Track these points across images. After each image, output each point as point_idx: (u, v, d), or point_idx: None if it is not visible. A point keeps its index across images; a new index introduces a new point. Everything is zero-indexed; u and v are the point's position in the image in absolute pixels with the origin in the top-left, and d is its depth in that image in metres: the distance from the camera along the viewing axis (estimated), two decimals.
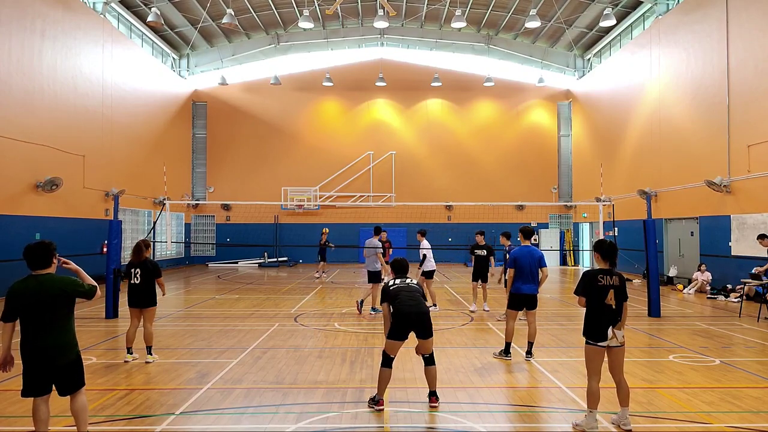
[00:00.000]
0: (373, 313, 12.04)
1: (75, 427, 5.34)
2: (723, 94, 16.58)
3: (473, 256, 12.68)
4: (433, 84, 29.03)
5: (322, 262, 21.00)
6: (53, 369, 4.48)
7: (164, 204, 16.12)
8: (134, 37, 23.90)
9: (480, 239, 12.74)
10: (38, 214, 16.17)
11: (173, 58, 27.98)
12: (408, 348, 6.71)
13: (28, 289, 4.55)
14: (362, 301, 12.25)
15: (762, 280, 12.19)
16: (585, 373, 5.33)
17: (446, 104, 30.46)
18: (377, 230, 12.95)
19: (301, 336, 9.78)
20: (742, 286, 13.36)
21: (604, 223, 19.08)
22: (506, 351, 7.95)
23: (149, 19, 20.09)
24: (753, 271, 13.20)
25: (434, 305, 12.54)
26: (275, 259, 28.09)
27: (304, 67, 29.99)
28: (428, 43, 29.57)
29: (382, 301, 6.09)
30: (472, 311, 12.34)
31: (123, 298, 13.44)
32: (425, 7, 26.07)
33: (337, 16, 27.15)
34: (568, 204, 28.52)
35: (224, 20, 20.64)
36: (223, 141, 29.80)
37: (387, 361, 5.78)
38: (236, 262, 28.45)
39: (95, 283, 4.77)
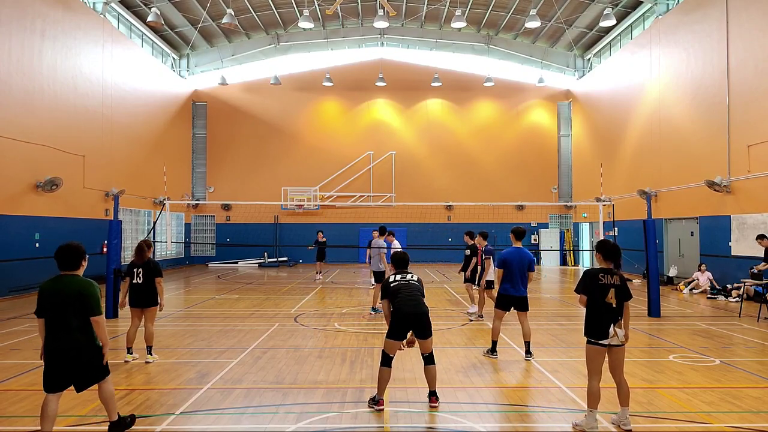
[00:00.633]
0: (372, 313, 12.03)
1: (75, 427, 5.35)
2: (723, 94, 16.58)
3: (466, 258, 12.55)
4: (433, 84, 29.04)
5: (319, 262, 20.79)
6: (70, 369, 4.63)
7: (164, 204, 16.12)
8: (134, 37, 23.90)
9: (467, 239, 12.54)
10: (38, 214, 16.17)
11: (173, 58, 27.98)
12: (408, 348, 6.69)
13: (54, 289, 4.75)
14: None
15: (763, 280, 12.19)
16: (585, 373, 5.33)
17: (446, 104, 30.46)
18: (383, 230, 12.97)
19: (301, 336, 9.78)
20: (741, 285, 13.35)
21: (604, 223, 19.09)
22: (492, 350, 8.03)
23: (149, 19, 20.09)
24: (753, 270, 13.19)
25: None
26: (275, 259, 28.09)
27: (304, 67, 29.99)
28: (428, 43, 29.57)
29: (382, 297, 6.06)
30: (471, 312, 12.25)
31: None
32: (425, 7, 26.07)
33: (337, 16, 27.15)
34: (568, 204, 28.52)
35: (224, 20, 20.64)
36: (223, 141, 29.80)
37: (386, 361, 5.78)
38: (236, 262, 28.46)
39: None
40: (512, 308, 8.03)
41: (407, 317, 5.78)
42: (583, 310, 5.39)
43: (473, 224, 27.35)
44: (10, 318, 11.76)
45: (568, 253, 29.05)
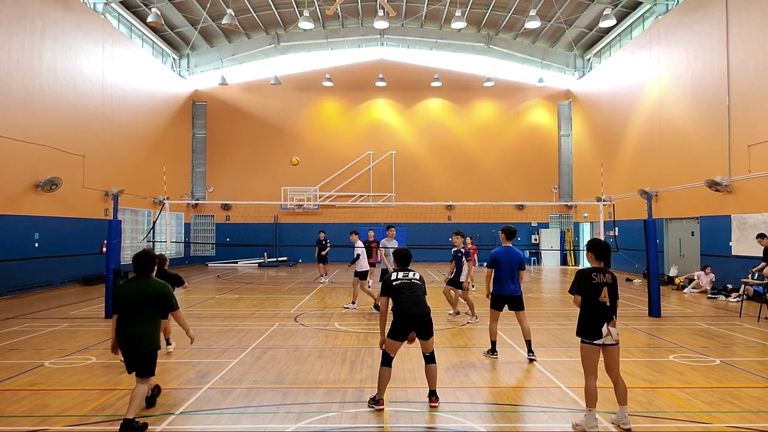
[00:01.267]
0: (375, 311, 12.05)
1: (75, 427, 5.35)
2: (723, 94, 16.57)
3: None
4: (433, 84, 29.04)
5: (322, 264, 20.11)
6: (134, 354, 5.28)
7: (164, 204, 16.12)
8: (134, 37, 23.89)
9: (467, 240, 12.68)
10: (38, 214, 16.17)
11: (173, 58, 27.98)
12: (407, 347, 6.70)
13: (134, 288, 5.38)
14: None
15: (764, 280, 12.19)
16: (583, 373, 5.31)
17: (446, 104, 30.46)
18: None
19: (301, 336, 9.78)
20: (742, 285, 13.35)
21: (604, 222, 19.07)
22: (492, 350, 8.00)
23: (149, 19, 20.08)
24: (754, 271, 13.18)
25: (353, 303, 12.88)
26: (275, 259, 28.09)
27: (304, 67, 29.99)
28: (428, 43, 29.56)
29: (382, 294, 6.00)
30: (466, 313, 12.11)
31: None
32: (425, 7, 26.07)
33: (337, 16, 27.15)
34: (569, 204, 28.52)
35: (224, 20, 20.63)
36: (223, 141, 29.80)
37: (387, 361, 5.77)
38: (236, 262, 28.45)
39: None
40: (507, 308, 7.96)
41: (409, 318, 5.76)
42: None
43: (473, 224, 27.42)
44: (9, 318, 11.76)
45: (568, 253, 29.06)
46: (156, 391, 5.87)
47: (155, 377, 5.76)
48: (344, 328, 10.56)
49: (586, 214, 28.19)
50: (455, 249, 11.29)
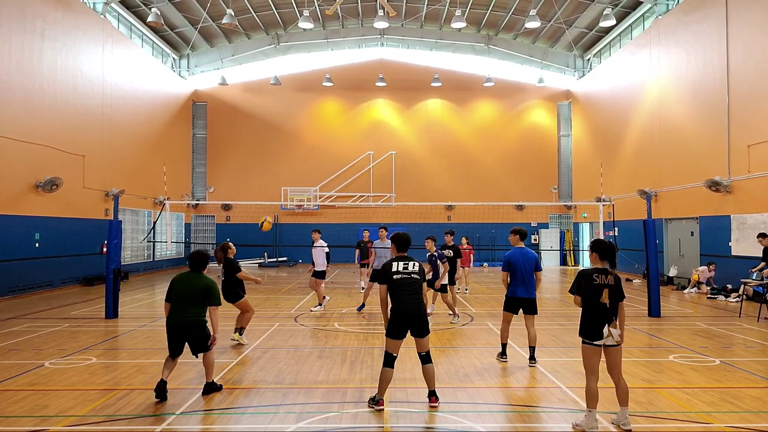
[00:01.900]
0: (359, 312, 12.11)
1: (75, 427, 5.37)
2: (723, 94, 16.58)
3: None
4: (433, 84, 29.04)
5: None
6: (187, 339, 6.15)
7: (164, 204, 16.12)
8: (134, 37, 23.89)
9: (449, 239, 12.26)
10: (38, 214, 16.17)
11: (173, 58, 27.98)
12: (407, 348, 6.70)
13: (187, 282, 6.22)
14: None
15: (764, 280, 12.19)
16: (584, 373, 5.33)
17: (446, 104, 30.46)
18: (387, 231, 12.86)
19: (301, 336, 9.78)
20: (741, 286, 13.36)
21: (604, 223, 19.07)
22: (502, 353, 7.82)
23: (149, 19, 20.09)
24: (751, 272, 13.19)
25: (319, 305, 12.66)
26: (275, 259, 28.10)
27: (304, 67, 29.99)
28: (428, 43, 29.57)
29: (381, 282, 5.90)
30: (429, 313, 11.83)
31: (123, 298, 13.49)
32: (425, 7, 26.07)
33: (337, 17, 27.15)
34: (568, 204, 28.52)
35: (224, 20, 20.64)
36: (223, 141, 29.80)
37: (389, 361, 5.75)
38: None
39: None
40: (520, 311, 7.68)
41: (407, 317, 5.75)
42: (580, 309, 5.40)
43: (473, 224, 27.44)
44: (9, 318, 11.76)
45: (568, 253, 29.05)
46: (220, 386, 6.44)
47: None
48: (344, 328, 10.56)
49: (585, 215, 28.19)
50: (429, 253, 11.07)
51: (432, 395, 5.83)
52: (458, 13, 20.87)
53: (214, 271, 25.42)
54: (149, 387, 6.57)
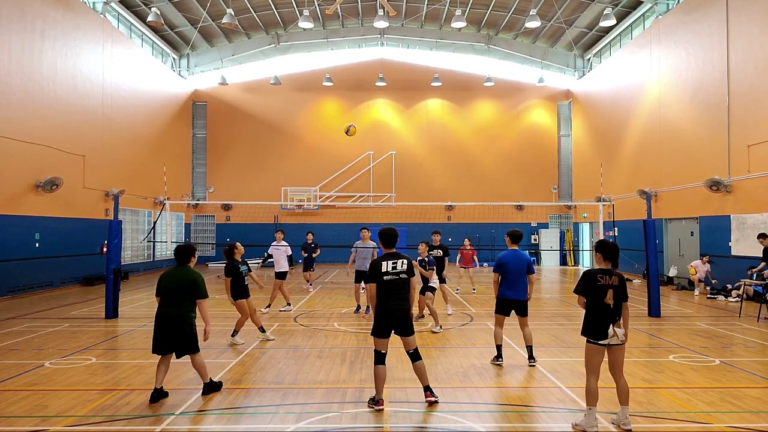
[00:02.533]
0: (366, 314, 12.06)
1: (75, 427, 5.36)
2: (723, 94, 16.57)
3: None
4: (433, 84, 29.04)
5: (308, 272, 16.90)
6: (173, 336, 6.00)
7: (164, 204, 16.12)
8: (134, 37, 23.89)
9: (436, 239, 12.06)
10: (38, 214, 16.17)
11: (173, 58, 27.97)
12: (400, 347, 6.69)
13: (173, 276, 6.18)
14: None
15: (764, 281, 12.19)
16: (585, 373, 5.34)
17: (446, 104, 30.46)
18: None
19: (301, 336, 9.78)
20: (741, 286, 13.35)
21: (604, 223, 19.06)
22: (498, 355, 7.67)
23: (149, 19, 20.09)
24: (752, 272, 13.19)
25: (288, 304, 12.62)
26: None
27: (304, 67, 29.98)
28: (428, 43, 29.56)
29: (369, 280, 5.90)
30: (449, 314, 11.82)
31: (124, 298, 13.49)
32: (425, 7, 26.07)
33: (337, 16, 27.14)
34: (568, 204, 28.52)
35: (224, 20, 20.64)
36: (223, 141, 29.80)
37: (379, 358, 5.81)
38: None
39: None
40: (513, 312, 7.65)
41: (393, 319, 5.80)
42: (583, 310, 5.41)
43: (473, 224, 27.45)
44: (9, 318, 11.76)
45: (568, 253, 29.05)
46: (219, 384, 6.43)
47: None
48: (344, 328, 10.56)
49: (585, 215, 28.19)
50: (420, 258, 10.69)
51: (427, 390, 5.84)
52: (458, 12, 20.87)
53: (215, 271, 25.25)
54: (149, 387, 6.56)
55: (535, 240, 29.65)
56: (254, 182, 29.21)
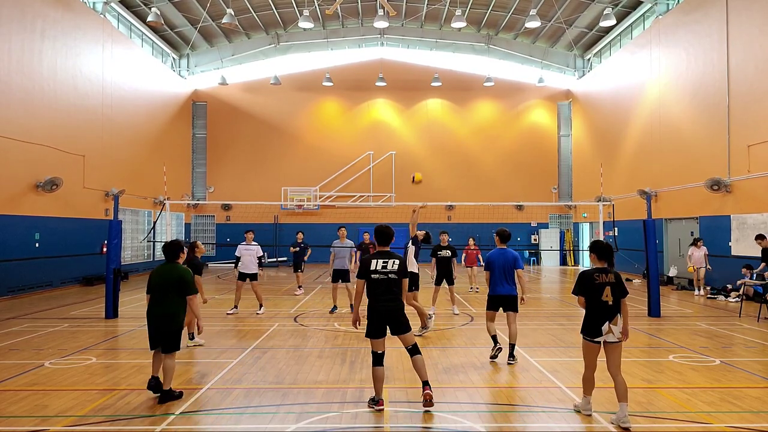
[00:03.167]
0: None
1: (75, 427, 5.37)
2: (723, 94, 16.57)
3: (435, 258, 11.85)
4: (433, 84, 29.04)
5: (298, 273, 16.37)
6: (162, 331, 6.04)
7: (164, 204, 16.12)
8: (134, 37, 23.89)
9: (444, 239, 12.09)
10: (38, 214, 16.17)
11: (173, 58, 27.97)
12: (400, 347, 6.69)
13: (161, 273, 6.21)
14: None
15: (764, 281, 12.20)
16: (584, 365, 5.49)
17: (446, 104, 30.46)
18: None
19: (301, 336, 9.78)
20: (742, 285, 13.37)
21: (604, 223, 19.06)
22: (494, 345, 7.76)
23: (149, 19, 20.08)
24: (743, 272, 13.21)
25: (235, 308, 12.22)
26: (275, 259, 28.07)
27: (304, 67, 29.98)
28: (428, 43, 29.56)
29: (359, 276, 5.84)
30: (430, 315, 11.51)
31: (123, 298, 13.49)
32: (425, 7, 26.07)
33: (337, 16, 27.14)
34: (568, 204, 28.52)
35: (224, 20, 20.63)
36: (223, 141, 29.80)
37: (376, 359, 5.78)
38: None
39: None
40: (501, 308, 7.76)
41: (383, 317, 5.73)
42: (584, 309, 5.49)
43: (473, 224, 27.40)
44: (9, 318, 11.76)
45: (568, 253, 29.04)
46: (178, 394, 6.09)
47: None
48: (344, 328, 10.56)
49: (585, 215, 28.19)
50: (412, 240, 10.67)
51: (425, 385, 5.71)
52: (458, 12, 20.86)
53: (215, 271, 25.14)
54: None
55: (535, 240, 29.65)
56: (254, 182, 29.21)
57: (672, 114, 19.50)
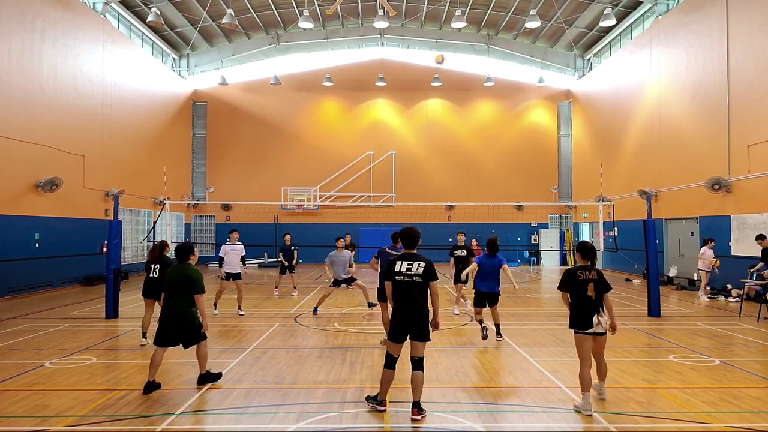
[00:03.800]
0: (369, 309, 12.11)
1: (75, 427, 5.37)
2: (723, 94, 16.57)
3: (453, 257, 12.56)
4: (433, 84, 29.04)
5: (290, 274, 16.03)
6: (177, 330, 6.38)
7: (164, 204, 16.12)
8: (134, 37, 23.89)
9: (461, 239, 12.77)
10: (38, 214, 16.17)
11: (173, 58, 27.97)
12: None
13: (173, 273, 6.58)
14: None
15: (764, 281, 12.19)
16: (579, 362, 5.62)
17: (446, 104, 30.45)
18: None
19: (301, 336, 9.78)
20: (743, 285, 13.36)
21: (604, 223, 19.07)
22: (481, 325, 8.98)
23: (149, 19, 20.08)
24: (750, 272, 13.18)
25: (239, 308, 12.23)
26: (275, 259, 28.05)
27: (304, 67, 29.98)
28: (428, 43, 29.56)
29: (385, 279, 5.74)
30: (455, 314, 12.00)
31: (124, 298, 13.49)
32: (425, 7, 26.07)
33: (337, 16, 27.14)
34: (569, 204, 28.52)
35: (224, 20, 20.63)
36: (223, 141, 29.80)
37: (390, 362, 5.63)
38: None
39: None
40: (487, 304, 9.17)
41: (406, 321, 5.57)
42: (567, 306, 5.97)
43: (473, 224, 27.37)
44: (9, 318, 11.76)
45: (568, 253, 29.04)
46: (216, 376, 6.69)
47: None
48: (344, 328, 10.56)
49: (585, 215, 28.19)
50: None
51: (416, 407, 5.44)
52: (458, 12, 20.86)
53: (214, 271, 25.27)
54: None
55: (535, 240, 29.65)
56: (254, 182, 29.21)
57: (672, 114, 19.50)
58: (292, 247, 15.91)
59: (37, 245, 16.16)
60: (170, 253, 9.08)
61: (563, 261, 29.28)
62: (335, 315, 12.16)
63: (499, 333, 9.26)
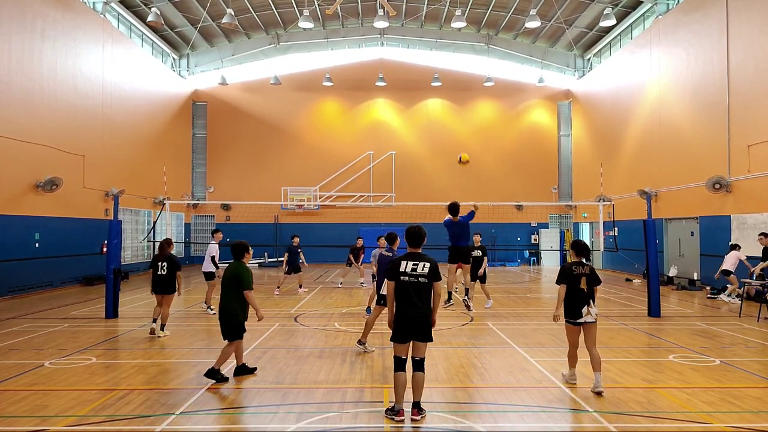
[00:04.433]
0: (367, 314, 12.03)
1: (75, 427, 5.37)
2: (723, 94, 16.58)
3: (473, 259, 12.67)
4: (433, 84, 29.03)
5: (295, 273, 16.17)
6: (221, 321, 6.94)
7: (164, 204, 16.12)
8: (134, 37, 23.89)
9: (477, 239, 13.28)
10: (38, 214, 16.17)
11: (173, 58, 27.97)
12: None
13: (227, 270, 6.98)
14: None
15: (764, 281, 12.18)
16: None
17: (446, 104, 30.45)
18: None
19: (301, 336, 9.78)
20: (743, 285, 13.36)
21: (604, 223, 19.07)
22: (448, 299, 10.29)
23: (149, 19, 20.08)
24: (750, 272, 13.18)
25: (210, 308, 12.41)
26: (275, 259, 28.08)
27: (304, 67, 29.98)
28: (428, 43, 29.56)
29: (388, 278, 5.60)
30: (471, 311, 12.23)
31: (123, 298, 13.50)
32: (425, 7, 26.06)
33: (337, 16, 27.14)
34: (569, 204, 28.51)
35: (224, 20, 20.64)
36: (223, 141, 29.80)
37: (398, 364, 5.50)
38: None
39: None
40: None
41: (410, 322, 5.48)
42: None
43: (473, 224, 27.32)
44: (9, 318, 11.76)
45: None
46: (222, 377, 6.80)
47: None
48: (344, 328, 10.56)
49: (585, 215, 28.19)
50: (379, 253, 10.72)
51: (416, 407, 5.42)
52: (458, 12, 20.86)
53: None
54: (149, 387, 6.58)
55: (535, 240, 29.65)
56: (254, 182, 29.21)
57: (672, 114, 19.50)
58: (299, 249, 16.19)
59: (37, 245, 16.16)
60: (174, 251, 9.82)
61: (563, 261, 29.22)
62: (335, 315, 12.15)
63: (467, 296, 10.85)
